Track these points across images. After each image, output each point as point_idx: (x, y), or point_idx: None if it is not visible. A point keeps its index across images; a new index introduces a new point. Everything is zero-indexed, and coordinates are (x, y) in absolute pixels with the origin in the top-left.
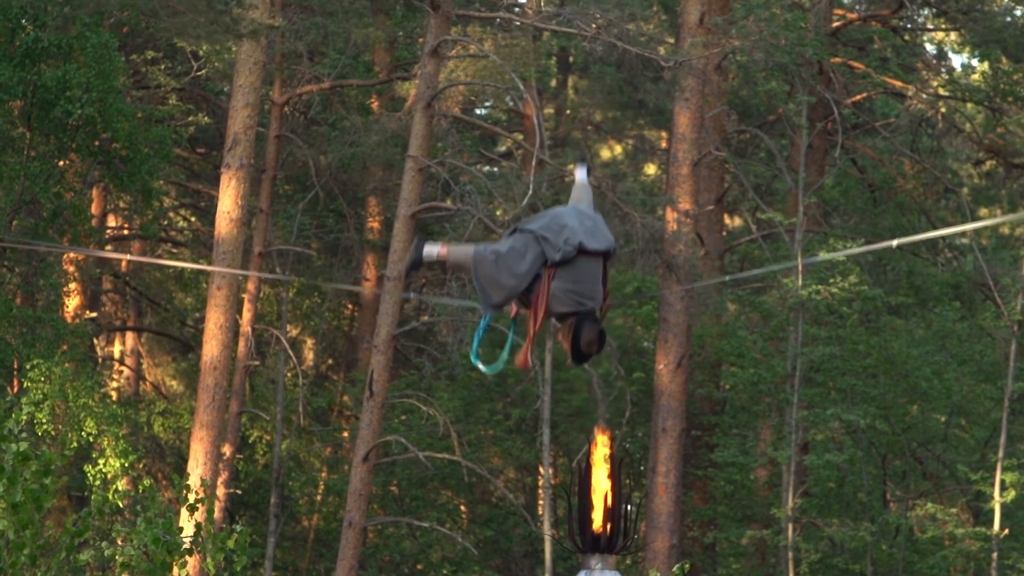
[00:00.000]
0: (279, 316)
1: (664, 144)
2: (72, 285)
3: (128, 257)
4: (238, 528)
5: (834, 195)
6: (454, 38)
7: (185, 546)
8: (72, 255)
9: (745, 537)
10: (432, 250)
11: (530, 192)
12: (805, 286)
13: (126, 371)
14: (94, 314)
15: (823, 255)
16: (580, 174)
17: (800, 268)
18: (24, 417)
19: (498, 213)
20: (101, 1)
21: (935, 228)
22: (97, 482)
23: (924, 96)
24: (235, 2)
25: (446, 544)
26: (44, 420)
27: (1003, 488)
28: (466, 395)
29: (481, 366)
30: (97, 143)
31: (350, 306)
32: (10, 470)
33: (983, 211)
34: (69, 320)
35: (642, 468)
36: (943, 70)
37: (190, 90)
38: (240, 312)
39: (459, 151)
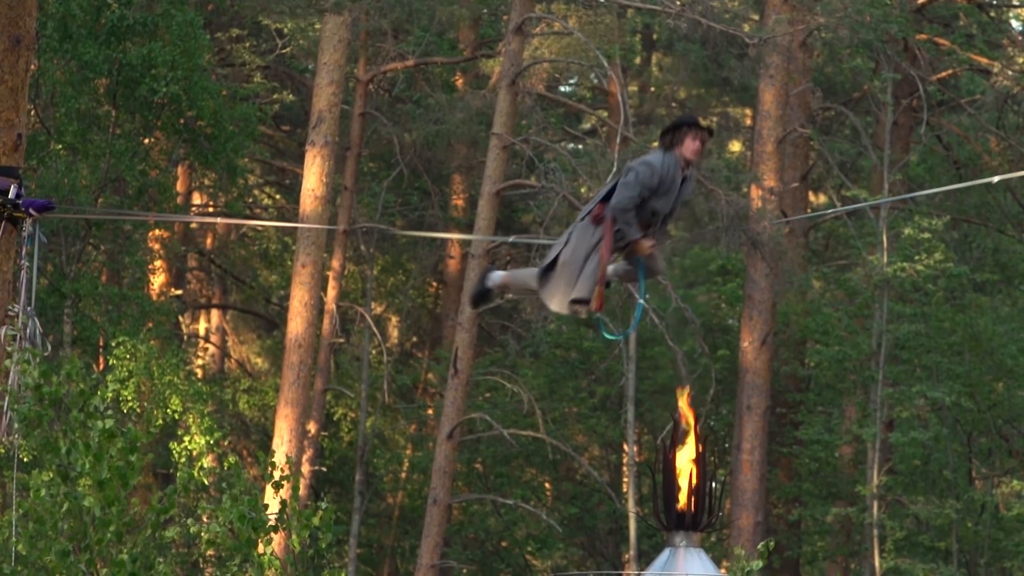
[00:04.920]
0: (363, 294)
1: (749, 121)
2: (157, 263)
3: (219, 220)
4: (323, 505)
5: (919, 172)
6: (538, 15)
7: (270, 523)
8: (157, 232)
9: (830, 515)
10: (495, 276)
11: (614, 169)
12: (890, 263)
13: (211, 348)
14: (179, 292)
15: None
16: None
17: (885, 245)
18: (110, 395)
19: (582, 191)
20: None
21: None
22: (182, 459)
23: (1010, 73)
24: None
25: (530, 521)
26: (130, 397)
27: None
28: (550, 372)
29: (611, 337)
30: (182, 121)
31: (434, 284)
32: (96, 447)
33: None
34: (155, 298)
35: (726, 446)
36: None
37: (275, 68)
38: (325, 290)
39: (543, 128)
